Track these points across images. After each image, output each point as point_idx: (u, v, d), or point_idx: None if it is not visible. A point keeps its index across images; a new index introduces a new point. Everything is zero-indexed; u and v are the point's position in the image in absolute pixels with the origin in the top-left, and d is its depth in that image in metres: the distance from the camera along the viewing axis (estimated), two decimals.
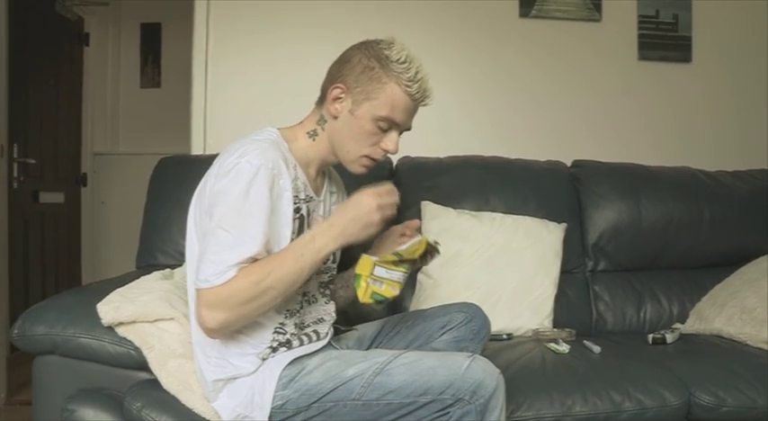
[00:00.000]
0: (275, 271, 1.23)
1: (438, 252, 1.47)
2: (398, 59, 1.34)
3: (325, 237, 1.27)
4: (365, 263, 1.32)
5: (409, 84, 1.34)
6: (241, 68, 2.66)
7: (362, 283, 1.31)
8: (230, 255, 1.22)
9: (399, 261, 1.34)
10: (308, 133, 1.43)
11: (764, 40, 2.93)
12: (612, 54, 2.86)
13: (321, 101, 1.43)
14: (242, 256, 1.22)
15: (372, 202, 1.28)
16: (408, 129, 1.43)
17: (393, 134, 1.39)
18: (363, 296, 1.31)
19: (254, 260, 1.24)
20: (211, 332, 1.25)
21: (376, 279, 1.31)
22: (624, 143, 2.81)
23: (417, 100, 1.38)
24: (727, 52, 2.91)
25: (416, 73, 1.35)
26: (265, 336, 1.33)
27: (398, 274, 1.33)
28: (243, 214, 1.24)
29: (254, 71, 2.66)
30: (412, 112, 1.40)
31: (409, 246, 1.36)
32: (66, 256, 3.99)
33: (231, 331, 1.29)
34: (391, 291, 1.32)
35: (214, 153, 1.63)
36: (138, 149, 4.22)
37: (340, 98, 1.37)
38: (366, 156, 1.40)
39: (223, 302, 1.21)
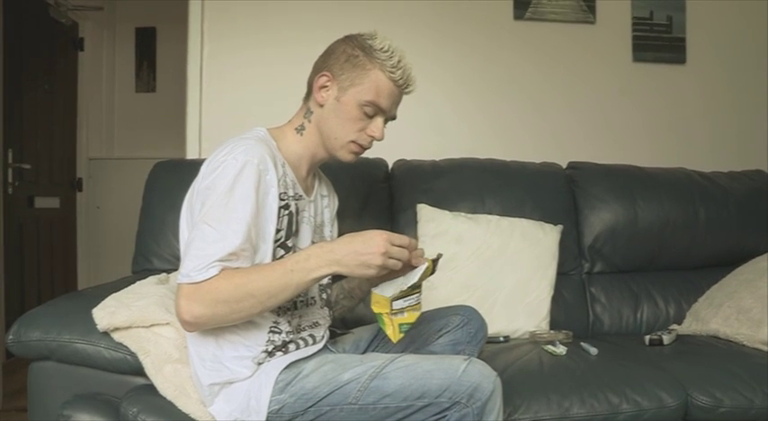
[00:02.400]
0: (259, 280, 1.22)
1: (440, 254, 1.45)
2: (381, 48, 1.38)
3: (321, 260, 1.22)
4: (381, 301, 1.28)
5: (393, 70, 1.37)
6: (236, 71, 2.66)
7: (386, 320, 1.28)
8: (213, 250, 1.21)
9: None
10: (295, 129, 1.45)
11: (759, 41, 2.94)
12: (607, 56, 2.87)
13: (308, 95, 1.46)
14: (224, 251, 1.22)
15: (381, 244, 1.21)
16: (393, 119, 1.46)
17: (378, 121, 1.41)
18: (394, 334, 1.28)
19: (234, 255, 1.23)
20: (186, 324, 1.24)
21: (396, 312, 1.28)
22: (619, 144, 2.82)
23: (401, 86, 1.40)
24: (722, 53, 2.93)
25: (399, 61, 1.38)
26: (260, 337, 1.33)
27: (415, 297, 1.30)
28: (227, 209, 1.24)
29: (249, 74, 2.66)
30: (396, 100, 1.43)
31: (419, 276, 1.29)
32: (61, 261, 3.98)
33: (209, 330, 1.29)
34: (414, 315, 1.30)
35: None
36: (133, 154, 4.23)
37: (326, 86, 1.40)
38: (353, 142, 1.42)
39: (201, 297, 1.20)
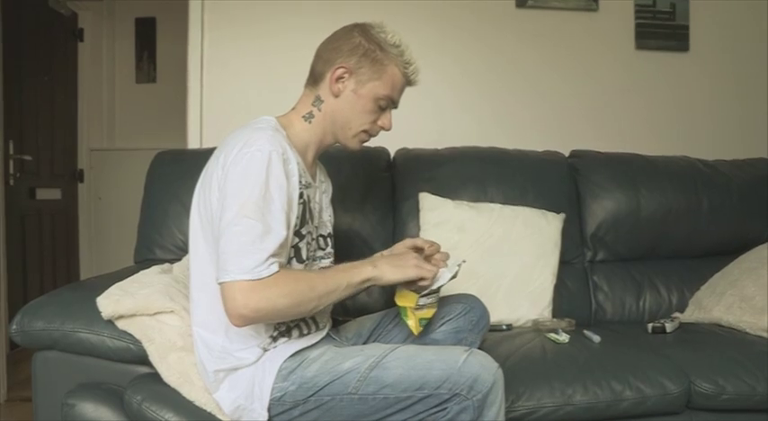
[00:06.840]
0: (316, 276, 1.30)
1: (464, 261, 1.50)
2: (394, 43, 1.43)
3: (365, 265, 1.33)
4: (407, 296, 1.40)
5: (406, 66, 1.43)
6: (237, 61, 2.65)
7: (410, 314, 1.40)
8: (265, 244, 1.21)
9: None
10: (303, 117, 1.45)
11: (762, 29, 2.93)
12: (610, 44, 2.85)
13: (315, 82, 1.45)
14: (275, 244, 1.22)
15: (411, 254, 1.39)
16: (396, 107, 1.50)
17: (389, 113, 1.47)
18: (415, 327, 1.41)
19: (282, 247, 1.25)
20: (240, 319, 1.21)
21: (419, 307, 1.39)
22: (622, 133, 2.81)
23: (412, 81, 1.47)
24: (725, 41, 2.91)
25: (410, 56, 1.44)
26: (269, 325, 1.33)
27: (435, 296, 1.42)
28: (266, 200, 1.24)
29: (249, 64, 2.65)
30: (403, 92, 1.49)
31: (447, 279, 1.40)
32: (63, 253, 3.99)
33: (219, 323, 1.29)
34: (432, 311, 1.43)
35: (210, 147, 1.62)
36: (134, 145, 4.21)
37: (343, 78, 1.41)
38: (365, 132, 1.46)
39: (264, 290, 1.19)
